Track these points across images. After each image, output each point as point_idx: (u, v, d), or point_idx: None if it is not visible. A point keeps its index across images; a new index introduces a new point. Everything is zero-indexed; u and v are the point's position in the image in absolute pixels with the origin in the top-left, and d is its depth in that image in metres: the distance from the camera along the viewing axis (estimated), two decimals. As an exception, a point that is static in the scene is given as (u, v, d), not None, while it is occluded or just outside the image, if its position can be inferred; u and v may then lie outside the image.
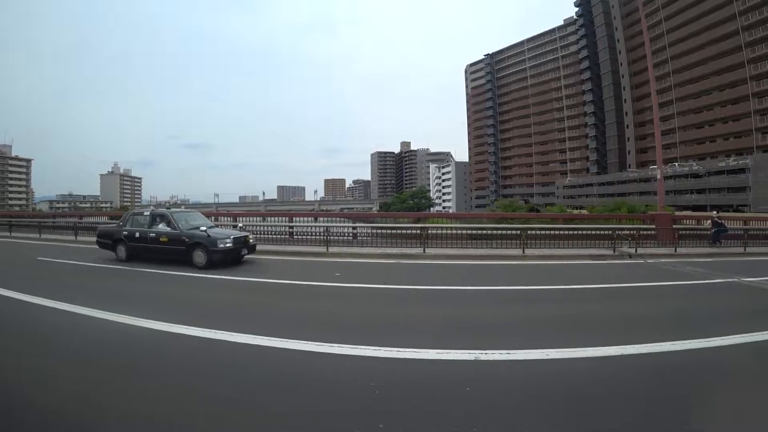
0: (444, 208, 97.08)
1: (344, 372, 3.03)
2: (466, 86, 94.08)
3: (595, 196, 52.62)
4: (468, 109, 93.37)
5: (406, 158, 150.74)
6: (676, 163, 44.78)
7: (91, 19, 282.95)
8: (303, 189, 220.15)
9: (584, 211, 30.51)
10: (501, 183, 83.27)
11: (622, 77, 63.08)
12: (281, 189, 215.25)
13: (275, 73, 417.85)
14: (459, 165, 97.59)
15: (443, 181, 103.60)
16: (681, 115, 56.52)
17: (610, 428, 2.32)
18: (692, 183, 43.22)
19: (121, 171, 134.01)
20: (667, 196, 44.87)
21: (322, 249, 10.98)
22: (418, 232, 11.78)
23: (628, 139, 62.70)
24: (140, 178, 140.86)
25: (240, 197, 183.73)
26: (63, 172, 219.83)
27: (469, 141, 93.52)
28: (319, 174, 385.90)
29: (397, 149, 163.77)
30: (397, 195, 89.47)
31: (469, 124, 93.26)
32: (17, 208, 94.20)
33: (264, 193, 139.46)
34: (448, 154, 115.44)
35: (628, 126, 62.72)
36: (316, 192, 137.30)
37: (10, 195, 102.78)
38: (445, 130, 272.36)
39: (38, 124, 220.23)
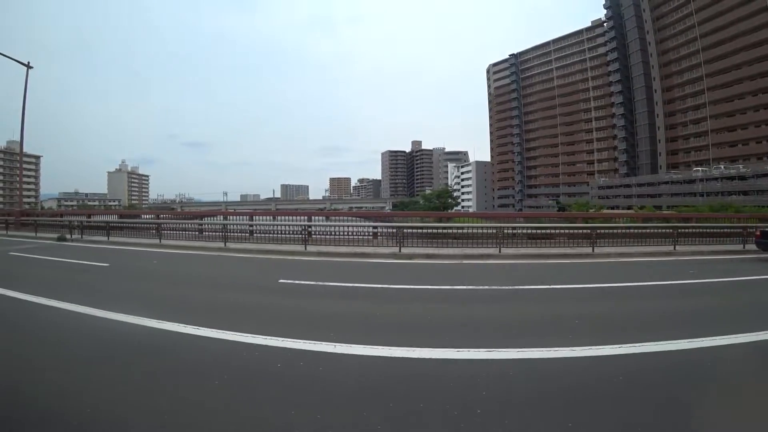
0: (463, 207, 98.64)
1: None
2: (488, 86, 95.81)
3: (634, 197, 54.64)
4: (490, 109, 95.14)
5: (418, 157, 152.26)
6: (722, 165, 46.94)
7: (92, 19, 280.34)
8: (307, 188, 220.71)
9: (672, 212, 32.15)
10: (526, 183, 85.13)
11: (654, 80, 65.27)
12: (285, 188, 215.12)
13: (276, 71, 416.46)
14: (479, 164, 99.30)
15: (462, 180, 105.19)
16: (714, 118, 58.87)
17: None
18: (737, 185, 45.39)
19: (129, 169, 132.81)
20: (711, 197, 47.09)
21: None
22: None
23: (659, 141, 65.01)
24: (147, 176, 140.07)
25: (241, 195, 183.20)
26: (62, 169, 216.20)
27: (491, 140, 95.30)
28: (320, 173, 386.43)
29: (400, 148, 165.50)
30: (423, 194, 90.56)
31: (491, 124, 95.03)
32: (27, 206, 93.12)
33: (274, 192, 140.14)
34: (465, 154, 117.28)
35: (659, 128, 64.99)
36: (327, 191, 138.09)
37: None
38: (449, 127, 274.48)
39: (37, 122, 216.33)
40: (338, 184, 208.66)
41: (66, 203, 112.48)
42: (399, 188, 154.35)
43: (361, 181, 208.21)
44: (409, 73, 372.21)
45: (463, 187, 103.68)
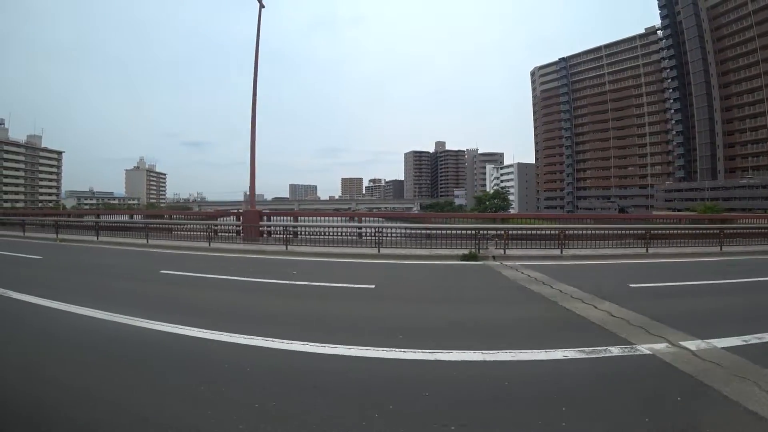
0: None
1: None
2: (534, 88, 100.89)
3: (707, 200, 59.86)
4: (535, 111, 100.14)
5: (442, 158, 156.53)
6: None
7: (92, 19, 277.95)
8: (315, 188, 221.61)
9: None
10: (576, 185, 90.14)
11: (713, 88, 71.18)
12: (293, 187, 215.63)
13: (276, 71, 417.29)
14: (521, 166, 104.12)
15: (502, 182, 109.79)
16: (774, 126, 65.00)
17: None
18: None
19: (146, 167, 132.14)
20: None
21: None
22: None
23: (718, 146, 70.95)
24: (165, 174, 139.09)
25: (245, 195, 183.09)
26: (66, 169, 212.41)
27: (536, 143, 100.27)
28: (322, 173, 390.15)
29: (416, 148, 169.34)
30: (476, 197, 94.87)
31: (536, 126, 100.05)
32: (50, 204, 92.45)
33: (299, 191, 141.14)
34: (500, 155, 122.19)
35: (717, 134, 70.95)
36: (358, 191, 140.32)
37: (41, 190, 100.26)
38: (455, 127, 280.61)
39: (39, 122, 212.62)
40: (350, 185, 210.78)
41: (86, 202, 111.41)
42: (423, 189, 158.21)
43: (373, 181, 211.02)
44: (411, 75, 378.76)
45: (503, 189, 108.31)
